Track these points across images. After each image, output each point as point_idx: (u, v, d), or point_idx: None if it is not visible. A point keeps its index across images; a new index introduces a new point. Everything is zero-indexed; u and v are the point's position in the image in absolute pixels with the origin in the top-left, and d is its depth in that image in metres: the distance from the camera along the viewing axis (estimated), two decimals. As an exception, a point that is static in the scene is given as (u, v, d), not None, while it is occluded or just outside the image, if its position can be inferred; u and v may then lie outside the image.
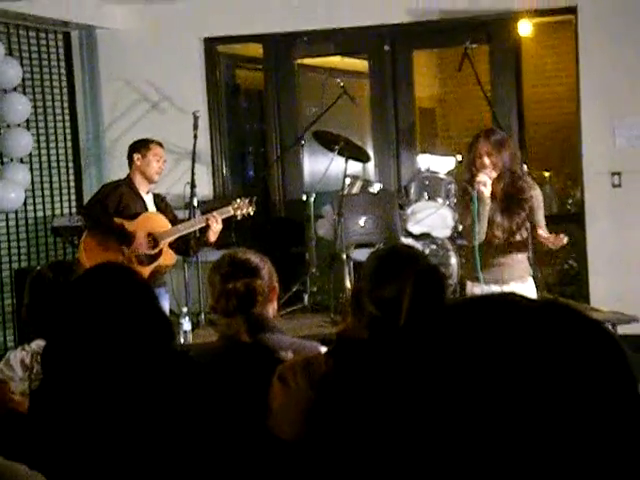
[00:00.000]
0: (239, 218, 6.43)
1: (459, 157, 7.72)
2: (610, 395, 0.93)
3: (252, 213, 6.45)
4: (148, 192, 6.34)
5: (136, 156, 6.29)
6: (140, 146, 6.36)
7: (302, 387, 2.56)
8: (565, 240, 5.18)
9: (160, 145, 6.39)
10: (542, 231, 5.22)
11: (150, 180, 6.30)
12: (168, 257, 6.29)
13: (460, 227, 7.27)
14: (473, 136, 5.42)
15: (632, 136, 7.55)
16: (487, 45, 8.19)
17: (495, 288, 5.16)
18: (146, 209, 6.28)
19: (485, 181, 5.11)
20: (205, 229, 6.23)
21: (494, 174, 5.17)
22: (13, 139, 7.46)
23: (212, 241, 6.26)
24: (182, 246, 6.35)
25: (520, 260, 5.33)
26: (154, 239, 6.19)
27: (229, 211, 6.35)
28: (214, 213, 6.29)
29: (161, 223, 6.26)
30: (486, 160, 5.16)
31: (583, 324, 0.98)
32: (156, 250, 6.19)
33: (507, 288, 5.17)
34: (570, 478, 0.91)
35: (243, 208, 6.40)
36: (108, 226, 6.11)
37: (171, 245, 6.28)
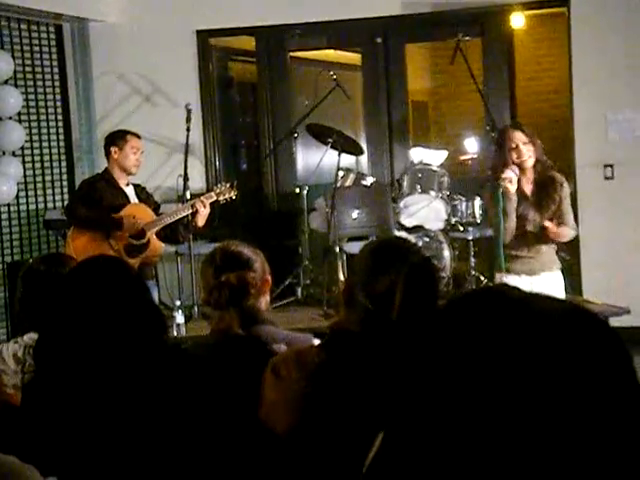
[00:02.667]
0: (222, 202, 6.44)
1: (445, 152, 7.73)
2: (612, 390, 0.93)
3: (234, 197, 6.47)
4: (128, 184, 6.33)
5: (113, 149, 6.27)
6: (117, 139, 6.33)
7: (295, 380, 2.56)
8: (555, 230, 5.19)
9: (137, 136, 6.36)
10: (548, 223, 5.22)
11: (128, 172, 6.28)
12: (156, 247, 6.29)
13: (453, 220, 7.31)
14: (499, 132, 5.45)
15: (624, 128, 7.55)
16: (480, 38, 8.19)
17: (526, 279, 5.24)
18: (128, 201, 6.27)
19: (511, 177, 5.13)
20: (193, 215, 6.24)
21: (531, 162, 5.19)
22: (5, 132, 7.44)
23: (201, 225, 6.28)
24: (170, 234, 6.35)
25: (550, 251, 5.36)
26: (140, 230, 6.18)
27: (212, 196, 6.37)
28: (201, 198, 6.31)
29: (146, 213, 6.26)
30: (524, 149, 5.17)
31: (581, 318, 0.98)
32: (143, 240, 6.18)
33: (537, 279, 5.28)
34: (574, 470, 0.91)
35: (225, 193, 6.41)
36: (94, 219, 6.10)
37: (159, 234, 6.27)
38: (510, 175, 5.14)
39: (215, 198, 6.38)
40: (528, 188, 5.27)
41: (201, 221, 6.24)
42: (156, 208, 6.41)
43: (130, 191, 6.32)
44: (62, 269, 3.32)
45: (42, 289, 3.33)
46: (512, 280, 5.21)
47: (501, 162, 5.28)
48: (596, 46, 7.55)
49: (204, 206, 6.21)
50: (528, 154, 5.19)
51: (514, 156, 5.19)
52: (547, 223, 5.22)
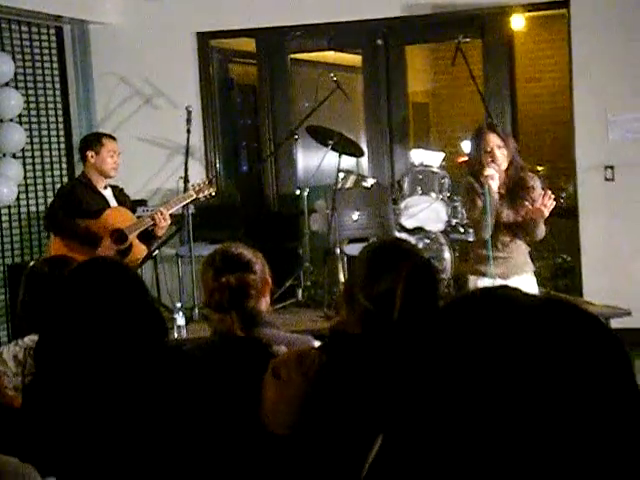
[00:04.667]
0: (202, 200, 6.42)
1: (442, 154, 7.73)
2: (610, 388, 0.93)
3: (213, 193, 6.44)
4: (106, 187, 6.29)
5: (89, 153, 6.21)
6: (92, 142, 6.27)
7: (295, 381, 2.55)
8: (552, 197, 5.08)
9: (113, 138, 6.32)
10: (528, 203, 5.17)
11: (106, 176, 6.23)
12: (138, 250, 6.25)
13: (454, 221, 7.32)
14: (475, 131, 5.42)
15: (625, 130, 7.55)
16: (480, 39, 8.19)
17: (499, 282, 5.10)
18: (108, 205, 6.23)
19: (493, 175, 5.13)
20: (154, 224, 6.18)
21: (504, 165, 5.19)
22: (6, 134, 7.44)
23: (160, 235, 6.27)
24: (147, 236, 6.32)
25: (523, 254, 5.33)
26: (122, 234, 6.14)
27: (191, 195, 6.34)
28: (166, 205, 6.25)
29: (126, 217, 6.21)
30: (498, 153, 5.17)
31: (581, 319, 0.98)
32: (126, 245, 6.14)
33: (510, 282, 5.14)
34: (572, 470, 0.91)
35: (204, 190, 6.38)
36: (73, 232, 6.07)
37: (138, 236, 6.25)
38: (492, 172, 5.14)
39: (195, 196, 6.35)
40: (503, 184, 5.25)
41: (160, 232, 6.21)
42: (132, 209, 6.39)
43: (109, 194, 6.27)
44: (65, 271, 3.31)
45: (45, 291, 3.33)
46: (486, 283, 5.16)
47: (477, 162, 5.28)
48: (596, 47, 7.55)
49: (164, 219, 6.13)
50: (502, 157, 5.19)
51: (488, 159, 5.19)
52: (529, 205, 5.14)
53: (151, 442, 2.34)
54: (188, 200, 6.34)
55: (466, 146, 8.27)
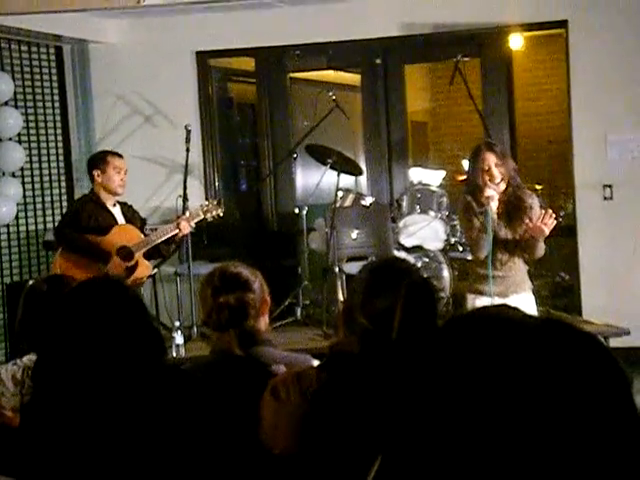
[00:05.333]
0: (209, 220, 6.46)
1: (443, 172, 7.75)
2: (608, 407, 0.93)
3: (222, 214, 6.47)
4: (115, 204, 6.32)
5: (96, 172, 6.24)
6: (98, 161, 6.31)
7: (294, 401, 2.55)
8: (553, 216, 5.05)
9: (119, 156, 6.35)
10: (528, 221, 5.15)
11: (114, 194, 6.27)
12: (144, 269, 6.29)
13: (452, 240, 7.32)
14: (473, 150, 5.40)
15: (623, 149, 7.56)
16: (478, 58, 8.22)
17: (498, 301, 5.09)
18: (115, 222, 6.26)
19: (493, 195, 5.12)
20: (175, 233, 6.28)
21: (503, 186, 5.17)
22: (5, 153, 7.45)
23: (178, 239, 6.35)
24: (152, 251, 6.36)
25: (521, 272, 5.31)
26: (129, 252, 6.17)
27: (199, 214, 6.38)
28: (187, 217, 6.32)
29: (133, 235, 6.25)
30: (495, 171, 5.15)
31: (579, 339, 0.98)
32: (132, 262, 6.18)
33: (509, 300, 5.13)
34: None
35: (212, 210, 6.42)
36: (83, 247, 6.09)
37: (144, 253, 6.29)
38: (492, 193, 5.13)
39: (202, 216, 6.39)
40: (501, 203, 5.23)
41: (180, 234, 6.31)
42: (142, 225, 6.43)
43: (117, 211, 6.31)
44: (64, 290, 3.31)
45: (43, 310, 3.32)
46: (485, 302, 5.14)
47: (475, 181, 5.25)
48: (594, 67, 7.57)
49: (189, 226, 6.26)
50: (500, 176, 5.17)
51: (486, 178, 5.17)
52: (529, 223, 5.13)
53: (150, 461, 2.33)
54: (195, 220, 6.38)
55: (467, 165, 8.28)
